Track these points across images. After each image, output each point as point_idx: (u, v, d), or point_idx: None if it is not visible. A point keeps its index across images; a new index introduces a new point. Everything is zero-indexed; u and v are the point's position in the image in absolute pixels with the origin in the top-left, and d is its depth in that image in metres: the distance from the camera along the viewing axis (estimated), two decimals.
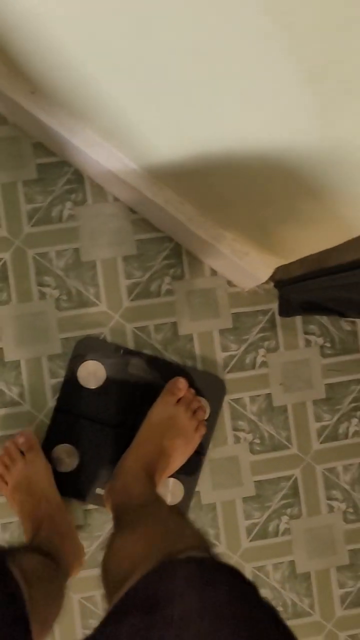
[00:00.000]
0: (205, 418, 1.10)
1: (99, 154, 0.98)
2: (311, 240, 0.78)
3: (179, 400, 1.07)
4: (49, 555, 0.87)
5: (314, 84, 0.44)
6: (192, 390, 1.09)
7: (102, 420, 1.11)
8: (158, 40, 0.53)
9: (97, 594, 1.12)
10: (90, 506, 1.13)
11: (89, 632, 0.52)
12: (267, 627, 0.47)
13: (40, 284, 1.13)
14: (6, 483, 1.04)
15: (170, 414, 1.05)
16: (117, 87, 0.70)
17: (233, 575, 0.53)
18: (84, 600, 1.12)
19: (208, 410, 1.12)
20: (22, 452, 1.04)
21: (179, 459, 1.05)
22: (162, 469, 1.01)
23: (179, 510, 0.82)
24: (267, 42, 0.43)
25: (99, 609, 1.12)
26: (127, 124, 0.82)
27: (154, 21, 0.51)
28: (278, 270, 1.07)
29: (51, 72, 0.84)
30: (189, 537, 0.70)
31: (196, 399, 1.09)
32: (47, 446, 1.10)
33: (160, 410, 1.06)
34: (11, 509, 1.06)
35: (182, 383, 1.07)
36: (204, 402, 1.11)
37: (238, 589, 0.51)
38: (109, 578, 0.70)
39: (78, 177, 1.13)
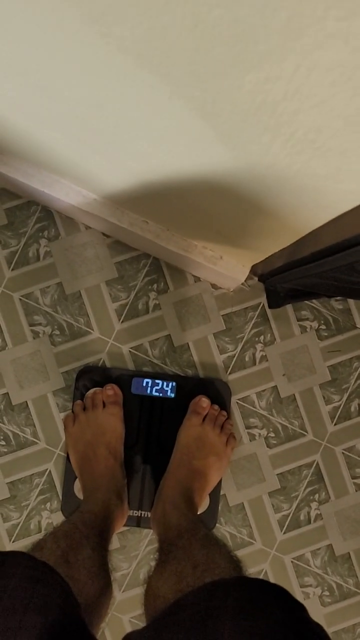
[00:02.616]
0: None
1: (58, 191, 1.00)
2: (270, 241, 0.79)
3: (204, 419, 1.08)
4: (96, 518, 0.89)
5: (209, 119, 0.45)
6: (216, 406, 1.10)
7: None
8: (65, 100, 0.55)
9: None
10: (123, 528, 1.15)
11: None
12: None
13: (32, 324, 1.15)
14: (73, 424, 1.08)
15: (198, 433, 1.06)
16: (49, 137, 0.72)
17: (283, 597, 0.53)
18: (134, 619, 1.15)
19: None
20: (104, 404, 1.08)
21: (215, 476, 1.06)
22: (200, 490, 1.01)
23: (212, 538, 0.82)
24: (152, 91, 0.44)
25: None
26: (73, 164, 0.83)
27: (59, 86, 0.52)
28: (258, 265, 1.07)
29: None
30: (218, 566, 0.71)
31: (221, 414, 1.10)
32: (68, 475, 1.13)
33: (188, 432, 1.07)
34: (70, 453, 1.08)
35: (204, 401, 1.09)
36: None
37: (288, 611, 0.50)
38: (148, 617, 0.72)
39: (47, 214, 1.15)
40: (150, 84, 0.43)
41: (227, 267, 1.02)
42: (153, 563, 0.82)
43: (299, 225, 0.65)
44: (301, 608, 0.52)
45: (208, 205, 0.70)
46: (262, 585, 0.55)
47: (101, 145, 0.66)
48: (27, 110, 0.64)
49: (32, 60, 0.51)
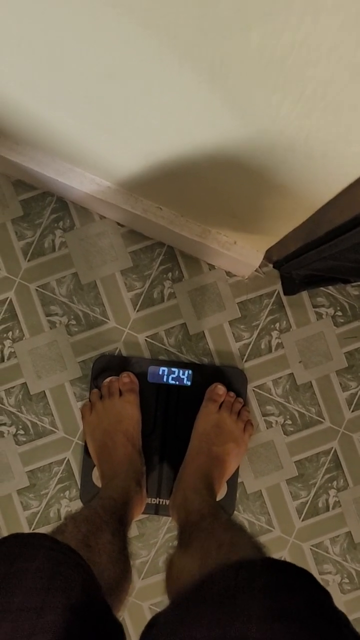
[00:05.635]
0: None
1: (73, 179, 1.01)
2: (283, 219, 0.79)
3: (220, 406, 1.08)
4: (115, 504, 0.89)
5: (218, 83, 0.45)
6: (232, 393, 1.11)
7: None
8: (76, 75, 0.55)
9: (165, 598, 1.14)
10: (142, 516, 1.15)
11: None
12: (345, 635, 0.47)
13: (48, 314, 1.16)
14: (90, 412, 1.08)
15: (216, 421, 1.06)
16: (62, 121, 0.72)
17: (310, 581, 0.52)
18: (154, 606, 1.15)
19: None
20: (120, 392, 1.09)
21: (233, 463, 1.06)
22: (219, 477, 1.02)
23: (235, 522, 0.82)
24: (161, 56, 0.44)
25: None
26: (86, 149, 0.84)
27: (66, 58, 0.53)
28: (273, 250, 1.07)
29: (9, 117, 0.87)
30: (243, 547, 0.71)
31: (237, 401, 1.10)
32: (86, 463, 1.13)
33: (205, 419, 1.07)
34: (88, 441, 1.08)
35: (220, 389, 1.09)
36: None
37: (315, 596, 0.50)
38: (171, 593, 0.72)
39: (62, 204, 1.16)
40: (159, 48, 0.43)
41: (242, 253, 1.02)
42: (174, 545, 0.82)
43: (311, 199, 0.65)
44: (327, 594, 0.52)
45: (220, 183, 0.71)
46: (290, 568, 0.55)
47: (112, 125, 0.67)
48: (39, 91, 0.65)
49: (41, 34, 0.51)
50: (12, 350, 1.15)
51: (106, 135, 0.71)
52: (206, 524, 0.82)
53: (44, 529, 1.15)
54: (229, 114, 0.49)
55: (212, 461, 1.02)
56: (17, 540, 0.57)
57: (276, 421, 1.16)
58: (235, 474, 1.12)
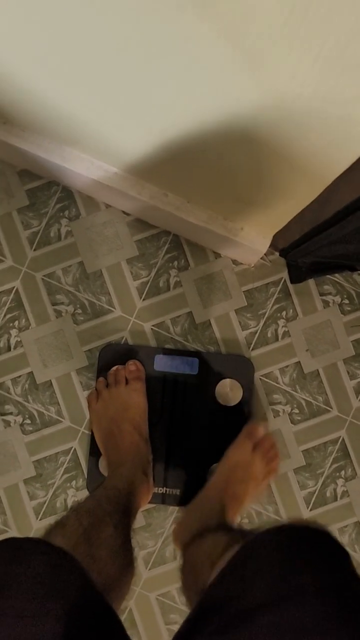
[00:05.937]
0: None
1: (79, 166, 1.01)
2: (293, 198, 0.78)
3: (256, 446, 1.05)
4: (120, 494, 0.89)
5: (234, 43, 0.45)
6: (272, 438, 1.07)
7: None
8: (87, 43, 0.55)
9: (172, 588, 1.14)
10: (148, 505, 1.15)
11: (174, 627, 0.52)
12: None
13: (54, 303, 1.15)
14: (96, 401, 1.08)
15: (248, 461, 1.03)
16: (71, 99, 0.72)
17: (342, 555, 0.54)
18: (161, 597, 1.14)
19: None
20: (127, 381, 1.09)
21: (248, 503, 1.03)
22: (233, 513, 0.98)
23: None
24: (177, 14, 0.44)
25: (177, 602, 1.13)
26: (93, 132, 0.84)
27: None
28: (279, 237, 1.06)
29: (16, 101, 0.87)
30: None
31: (273, 448, 1.06)
32: (93, 453, 1.13)
33: (239, 455, 1.04)
34: (95, 430, 1.09)
35: (261, 431, 1.05)
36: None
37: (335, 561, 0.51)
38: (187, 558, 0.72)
39: (68, 193, 1.16)
40: (176, 4, 0.43)
41: (248, 239, 1.02)
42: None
43: (323, 171, 0.64)
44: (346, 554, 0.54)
45: (229, 158, 0.70)
46: (303, 532, 0.55)
47: (122, 101, 0.66)
48: (48, 70, 0.65)
49: (51, 9, 0.51)
50: (19, 340, 1.15)
51: (115, 113, 0.71)
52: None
53: (50, 519, 1.15)
54: (247, 78, 0.49)
55: (232, 495, 0.99)
56: (12, 545, 0.56)
57: (283, 410, 1.16)
58: None
